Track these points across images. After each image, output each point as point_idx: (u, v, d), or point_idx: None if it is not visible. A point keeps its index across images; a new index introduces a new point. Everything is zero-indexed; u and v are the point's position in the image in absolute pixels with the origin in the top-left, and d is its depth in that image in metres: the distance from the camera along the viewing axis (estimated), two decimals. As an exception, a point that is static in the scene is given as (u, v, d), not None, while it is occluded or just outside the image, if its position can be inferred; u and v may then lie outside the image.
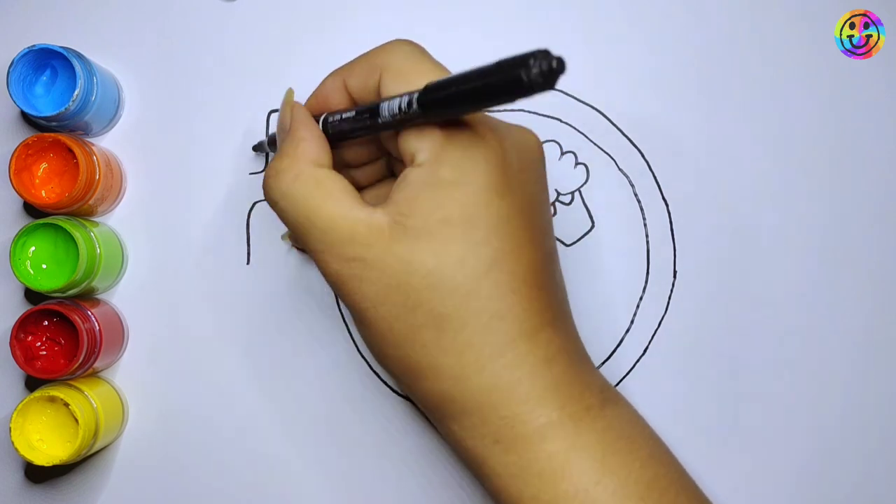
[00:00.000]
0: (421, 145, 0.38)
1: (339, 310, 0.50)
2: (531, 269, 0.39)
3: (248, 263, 0.50)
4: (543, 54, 0.33)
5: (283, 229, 0.49)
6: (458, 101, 0.36)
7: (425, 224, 0.38)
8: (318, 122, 0.42)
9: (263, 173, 0.41)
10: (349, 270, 0.38)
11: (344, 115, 0.41)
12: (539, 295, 0.39)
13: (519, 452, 0.39)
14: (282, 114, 0.43)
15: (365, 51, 0.41)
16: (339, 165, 0.43)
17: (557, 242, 0.50)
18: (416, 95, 0.37)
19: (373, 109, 0.39)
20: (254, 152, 0.49)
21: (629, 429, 0.41)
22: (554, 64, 0.33)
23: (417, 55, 0.40)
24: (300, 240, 0.40)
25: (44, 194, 0.46)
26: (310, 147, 0.40)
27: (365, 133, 0.41)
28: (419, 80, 0.38)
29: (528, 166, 0.40)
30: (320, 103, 0.43)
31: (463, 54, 0.50)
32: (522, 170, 0.39)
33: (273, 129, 0.50)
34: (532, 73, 0.33)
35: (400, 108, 0.38)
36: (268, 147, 0.48)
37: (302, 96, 0.43)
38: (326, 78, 0.43)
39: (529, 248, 0.39)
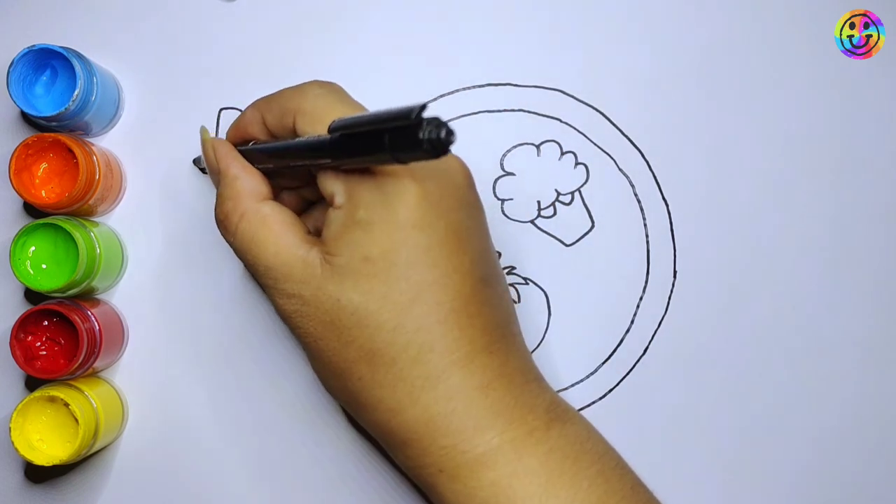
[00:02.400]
0: (336, 188, 0.39)
1: (339, 310, 0.50)
2: (459, 298, 0.39)
3: (248, 263, 0.50)
4: (434, 122, 0.34)
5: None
6: (357, 153, 0.37)
7: (349, 263, 0.38)
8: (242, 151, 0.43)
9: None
10: (291, 306, 0.40)
11: (261, 147, 0.42)
12: (470, 322, 0.39)
13: (463, 481, 0.39)
14: (206, 154, 0.44)
15: (284, 90, 0.42)
16: (279, 188, 0.44)
17: (557, 242, 0.50)
18: (324, 138, 0.38)
19: (286, 147, 0.40)
20: (195, 165, 0.49)
21: (577, 447, 0.40)
22: (443, 134, 0.34)
23: (331, 97, 0.41)
24: (251, 274, 0.42)
25: (44, 194, 0.46)
26: (247, 183, 0.42)
27: (287, 170, 0.42)
28: (327, 123, 0.39)
29: (450, 193, 0.40)
30: (241, 134, 0.44)
31: (463, 54, 0.50)
32: (444, 197, 0.39)
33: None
34: (426, 138, 0.34)
35: (309, 149, 0.39)
36: (199, 164, 0.49)
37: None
38: (247, 109, 0.44)
39: (456, 277, 0.39)
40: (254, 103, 0.43)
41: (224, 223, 0.42)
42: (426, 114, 0.34)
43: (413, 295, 0.38)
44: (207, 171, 0.44)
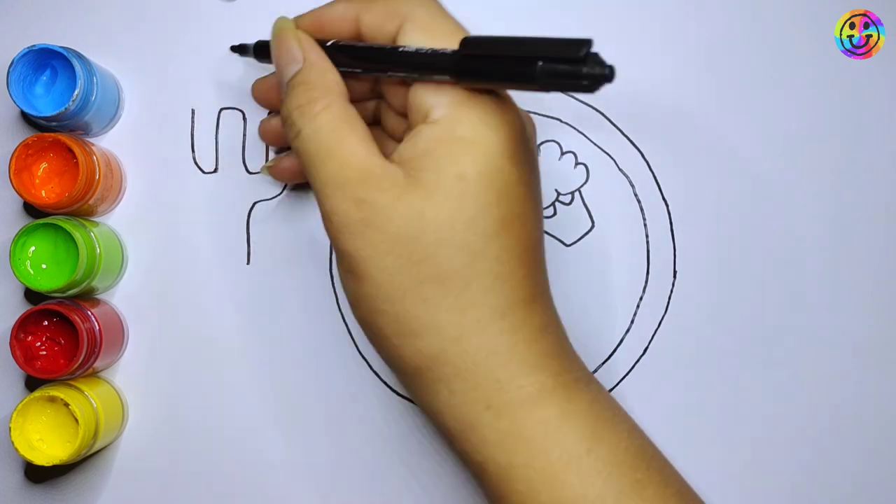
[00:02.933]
0: (438, 101, 0.38)
1: (340, 310, 0.50)
2: (532, 238, 0.39)
3: (248, 263, 0.50)
4: (598, 61, 0.34)
5: (283, 234, 0.49)
6: (497, 78, 0.36)
7: (440, 179, 0.37)
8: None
9: (283, 103, 0.40)
10: (357, 213, 0.37)
11: (357, 47, 0.39)
12: (536, 264, 0.39)
13: (511, 418, 0.38)
14: (285, 42, 0.41)
15: None
16: None
17: (557, 242, 0.50)
18: (448, 52, 0.37)
19: (392, 52, 0.38)
20: (232, 52, 0.47)
21: (612, 403, 0.41)
22: (607, 70, 0.34)
23: (443, 13, 0.39)
24: (310, 174, 0.38)
25: (44, 194, 0.46)
26: (337, 80, 0.39)
27: (371, 73, 0.39)
28: (444, 38, 0.38)
29: (533, 135, 0.41)
30: (318, 27, 0.41)
31: (463, 54, 0.50)
32: (532, 137, 0.40)
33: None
34: (586, 78, 0.34)
35: (426, 62, 0.37)
36: (253, 53, 0.46)
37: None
38: (337, 3, 0.41)
39: (533, 217, 0.39)
40: (348, 0, 0.41)
41: (303, 108, 0.38)
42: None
43: (500, 224, 0.37)
44: (282, 62, 0.41)
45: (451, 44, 0.38)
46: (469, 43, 0.37)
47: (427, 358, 0.38)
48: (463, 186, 0.37)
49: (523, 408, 0.38)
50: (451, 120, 0.37)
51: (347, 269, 0.38)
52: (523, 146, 0.38)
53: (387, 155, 0.38)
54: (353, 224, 0.37)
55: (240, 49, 0.47)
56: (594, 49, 0.34)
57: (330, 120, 0.38)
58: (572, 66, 0.34)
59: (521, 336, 0.38)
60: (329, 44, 0.41)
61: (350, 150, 0.38)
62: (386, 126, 0.44)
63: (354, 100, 0.41)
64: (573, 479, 0.38)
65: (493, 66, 0.36)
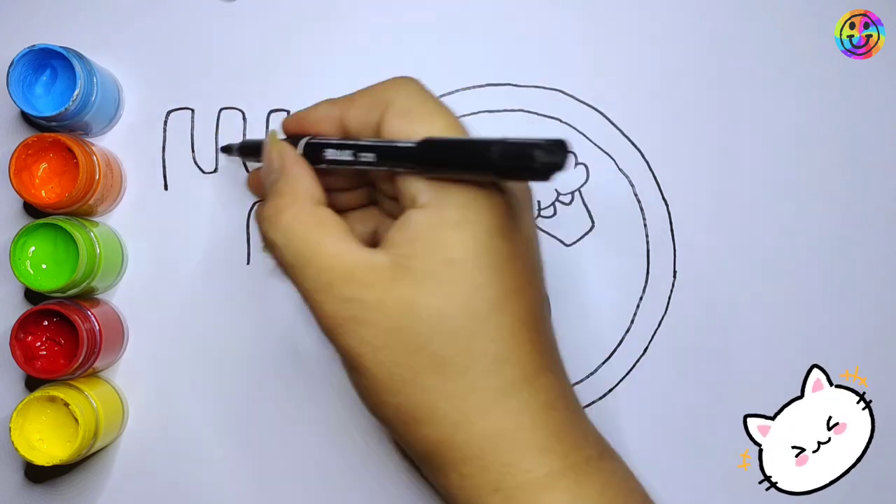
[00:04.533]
0: (424, 185, 0.37)
1: (339, 310, 0.50)
2: (531, 312, 0.38)
3: (248, 263, 0.50)
4: (553, 146, 0.33)
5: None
6: (456, 167, 0.36)
7: (429, 265, 0.37)
8: (295, 145, 0.41)
9: (255, 210, 0.40)
10: (346, 312, 0.37)
11: (333, 143, 0.40)
12: (538, 339, 0.38)
13: (520, 502, 0.37)
14: (268, 154, 0.41)
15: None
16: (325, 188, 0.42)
17: (557, 242, 0.50)
18: (410, 144, 0.37)
19: (370, 148, 0.39)
20: (222, 153, 0.49)
21: (627, 485, 0.40)
22: (560, 159, 0.33)
23: (423, 95, 0.39)
24: (294, 282, 0.39)
25: (44, 194, 0.46)
26: (308, 185, 0.39)
27: (353, 167, 0.40)
28: (423, 123, 0.38)
29: (527, 206, 0.40)
30: (303, 126, 0.42)
31: (463, 54, 0.50)
32: (524, 210, 0.39)
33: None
34: (538, 163, 0.33)
35: (390, 154, 0.38)
36: (238, 152, 0.47)
37: (303, 102, 0.42)
38: (321, 104, 0.41)
39: (529, 291, 0.38)
40: (331, 100, 0.41)
41: (272, 218, 0.39)
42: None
43: (493, 303, 0.37)
44: (264, 172, 0.42)
45: (431, 127, 0.38)
46: (428, 142, 0.37)
47: (434, 444, 0.38)
48: (453, 271, 0.37)
49: (532, 492, 0.37)
50: (438, 203, 0.37)
51: (347, 365, 0.39)
52: (513, 220, 0.38)
53: (384, 235, 0.38)
54: (344, 324, 0.37)
55: (226, 149, 0.48)
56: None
57: (299, 227, 0.38)
58: (528, 152, 0.34)
59: (527, 416, 0.37)
60: (304, 141, 0.41)
61: (327, 252, 0.37)
62: (382, 207, 0.43)
63: (347, 188, 0.41)
64: None
65: (452, 155, 0.36)
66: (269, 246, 0.39)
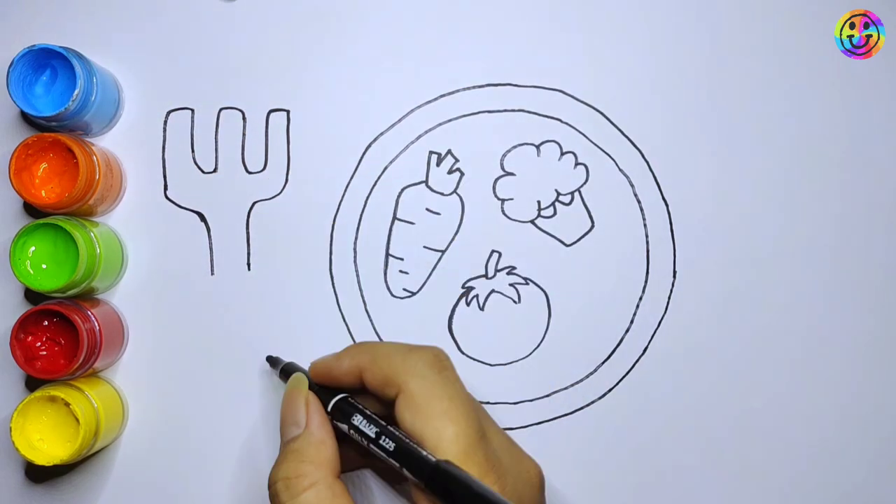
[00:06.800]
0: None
1: (340, 310, 0.50)
2: None
3: (247, 263, 0.50)
4: None
5: (283, 234, 0.49)
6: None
7: None
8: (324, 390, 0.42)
9: (272, 471, 0.40)
10: None
11: (364, 413, 0.41)
12: None
13: None
14: (293, 403, 0.42)
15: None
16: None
17: (557, 242, 0.50)
18: (430, 461, 0.38)
19: (394, 438, 0.39)
20: (267, 363, 0.49)
21: None
22: None
23: (436, 389, 0.39)
24: None
25: (44, 194, 0.46)
26: (331, 455, 0.40)
27: (368, 443, 0.40)
28: (434, 421, 0.38)
29: (528, 496, 0.40)
30: (328, 377, 0.42)
31: (463, 54, 0.50)
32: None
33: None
34: None
35: (407, 461, 0.38)
36: (280, 375, 0.47)
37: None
38: (344, 358, 0.42)
39: None
40: (354, 354, 0.42)
41: (291, 483, 0.39)
42: None
43: None
44: (286, 419, 0.42)
45: (441, 426, 0.38)
46: (444, 467, 0.37)
47: None
48: None
49: None
50: None
51: None
52: None
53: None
54: None
55: (272, 361, 0.48)
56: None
57: (312, 499, 0.38)
58: None
59: None
60: (336, 399, 0.42)
61: None
62: (375, 466, 0.44)
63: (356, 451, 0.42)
64: None
65: (460, 493, 0.36)
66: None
